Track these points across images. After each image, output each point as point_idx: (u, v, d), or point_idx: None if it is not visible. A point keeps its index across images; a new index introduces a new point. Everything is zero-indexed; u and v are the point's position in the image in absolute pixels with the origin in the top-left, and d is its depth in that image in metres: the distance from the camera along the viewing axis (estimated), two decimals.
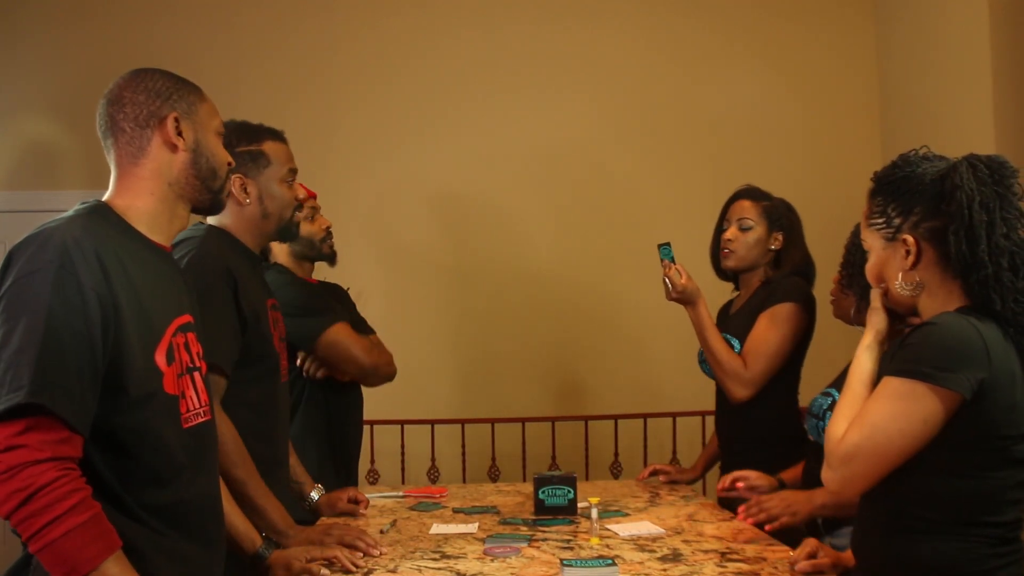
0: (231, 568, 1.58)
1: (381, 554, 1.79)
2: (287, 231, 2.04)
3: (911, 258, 1.39)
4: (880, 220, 1.44)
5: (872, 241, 1.46)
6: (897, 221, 1.41)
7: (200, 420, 1.45)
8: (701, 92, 3.98)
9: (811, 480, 1.90)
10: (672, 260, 2.28)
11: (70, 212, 1.37)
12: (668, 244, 2.31)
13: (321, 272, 2.62)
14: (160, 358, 1.36)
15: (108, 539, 1.22)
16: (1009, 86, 3.08)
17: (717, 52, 3.99)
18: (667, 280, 2.27)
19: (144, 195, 1.43)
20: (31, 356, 1.20)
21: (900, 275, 1.42)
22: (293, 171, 2.01)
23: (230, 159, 1.56)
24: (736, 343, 2.28)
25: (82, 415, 1.23)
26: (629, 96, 3.98)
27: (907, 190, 1.40)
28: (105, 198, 1.44)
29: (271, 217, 1.97)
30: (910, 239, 1.39)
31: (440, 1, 4.00)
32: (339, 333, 2.35)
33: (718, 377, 2.27)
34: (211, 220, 1.93)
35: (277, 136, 2.00)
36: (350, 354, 2.35)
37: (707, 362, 2.30)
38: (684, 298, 2.26)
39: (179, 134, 1.45)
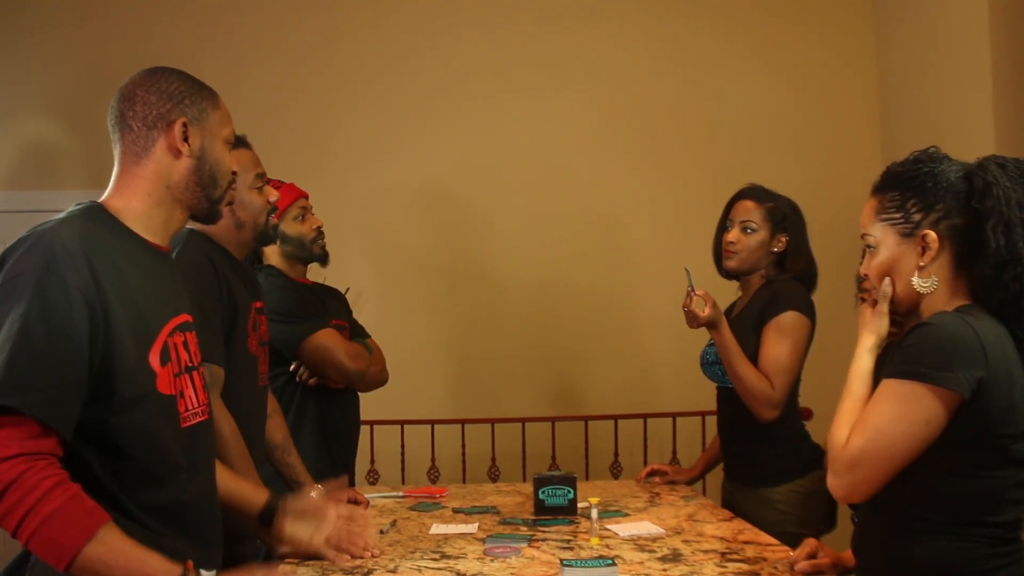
0: (228, 567, 1.58)
1: (373, 556, 1.78)
2: (265, 235, 2.05)
3: (931, 254, 1.38)
4: (897, 215, 1.41)
5: (883, 236, 1.43)
6: (917, 217, 1.39)
7: (198, 420, 1.45)
8: (701, 92, 3.98)
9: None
10: (693, 288, 2.22)
11: (63, 213, 1.36)
12: (687, 271, 2.25)
13: (318, 274, 2.61)
14: (154, 359, 1.35)
15: (92, 516, 1.21)
16: (1009, 86, 3.08)
17: (717, 52, 3.99)
18: (690, 312, 2.22)
19: (141, 196, 1.42)
20: (3, 358, 1.19)
21: (916, 272, 1.40)
22: (261, 175, 2.01)
23: (235, 168, 1.55)
24: None
25: (59, 413, 1.22)
26: (629, 96, 3.98)
27: (931, 186, 1.38)
28: (103, 197, 1.43)
29: (246, 226, 1.98)
30: (932, 235, 1.38)
31: (440, 1, 4.00)
32: (324, 339, 2.34)
33: (745, 401, 2.20)
34: (191, 227, 1.94)
35: (240, 143, 1.98)
36: (335, 360, 2.34)
37: (732, 385, 2.23)
38: (708, 324, 2.21)
39: (185, 140, 1.43)
